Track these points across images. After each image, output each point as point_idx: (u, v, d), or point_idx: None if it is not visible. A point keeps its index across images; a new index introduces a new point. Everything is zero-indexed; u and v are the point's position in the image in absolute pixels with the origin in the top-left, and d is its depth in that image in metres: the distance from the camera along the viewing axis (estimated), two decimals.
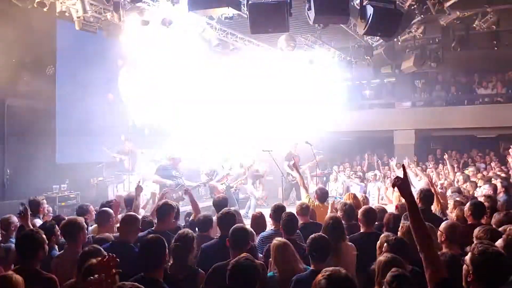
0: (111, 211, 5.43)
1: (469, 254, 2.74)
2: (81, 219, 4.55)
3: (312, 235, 4.08)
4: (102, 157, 11.46)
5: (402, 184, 3.02)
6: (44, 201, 7.21)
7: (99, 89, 12.04)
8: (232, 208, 5.52)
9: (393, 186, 3.11)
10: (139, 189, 6.19)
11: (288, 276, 3.73)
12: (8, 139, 10.30)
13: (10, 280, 3.07)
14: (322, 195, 7.04)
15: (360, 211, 5.21)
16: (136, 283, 2.84)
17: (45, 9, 8.54)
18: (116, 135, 12.03)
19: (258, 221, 5.70)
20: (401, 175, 3.11)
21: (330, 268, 2.79)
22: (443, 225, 4.31)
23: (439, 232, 4.23)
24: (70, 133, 11.14)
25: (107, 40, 10.56)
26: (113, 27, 10.18)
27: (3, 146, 10.20)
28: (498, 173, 10.95)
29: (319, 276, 2.75)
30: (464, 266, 2.73)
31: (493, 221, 4.87)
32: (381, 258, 3.34)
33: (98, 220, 5.44)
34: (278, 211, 5.31)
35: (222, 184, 10.71)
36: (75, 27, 9.37)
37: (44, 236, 3.88)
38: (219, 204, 6.06)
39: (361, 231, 5.03)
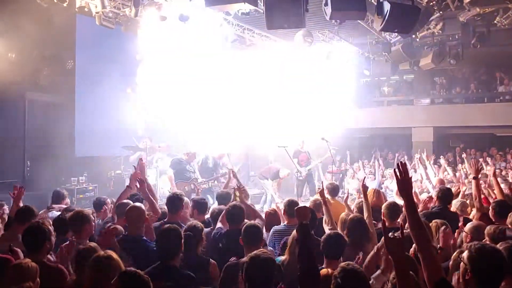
0: (131, 202, 5.26)
1: (466, 251, 2.71)
2: (88, 212, 4.54)
3: (328, 232, 4.12)
4: (120, 151, 11.59)
5: (401, 183, 2.92)
6: (68, 195, 7.28)
7: (117, 83, 12.18)
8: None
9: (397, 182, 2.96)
10: (140, 166, 6.07)
11: None
12: (28, 132, 10.49)
13: (26, 267, 3.11)
14: (333, 190, 7.01)
15: (384, 205, 5.22)
16: None
17: (64, 5, 8.66)
18: (134, 130, 12.18)
19: (272, 217, 5.72)
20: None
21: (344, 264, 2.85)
22: (468, 226, 4.28)
23: (464, 233, 4.21)
24: (89, 126, 11.30)
25: (125, 35, 10.68)
26: (131, 22, 10.30)
27: (23, 139, 10.41)
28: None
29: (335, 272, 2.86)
30: (461, 264, 2.71)
31: (508, 220, 4.82)
32: None
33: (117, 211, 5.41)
34: (291, 206, 5.32)
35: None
36: (94, 22, 9.50)
37: (50, 227, 3.89)
38: (223, 197, 6.13)
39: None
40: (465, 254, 2.71)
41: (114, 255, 3.13)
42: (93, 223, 4.57)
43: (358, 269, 2.94)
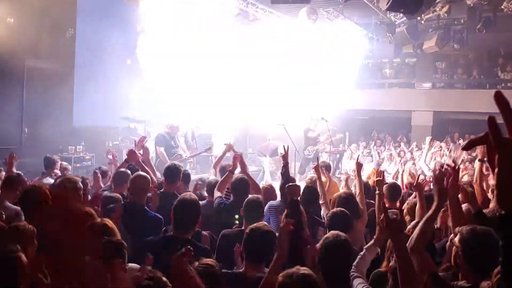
0: (129, 172, 5.25)
1: (458, 235, 2.69)
2: (77, 179, 4.48)
3: (334, 210, 4.16)
4: (118, 121, 11.56)
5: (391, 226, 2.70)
6: (59, 160, 7.31)
7: (117, 53, 12.08)
8: None
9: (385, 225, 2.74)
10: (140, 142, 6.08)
11: None
12: (26, 99, 10.43)
13: (23, 229, 3.12)
14: (326, 168, 7.02)
15: (385, 186, 5.21)
16: None
17: None
18: (133, 101, 12.11)
19: (268, 193, 5.73)
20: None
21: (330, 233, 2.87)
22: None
23: None
24: (88, 96, 11.24)
25: (126, 5, 10.53)
26: None
27: (21, 106, 10.34)
28: None
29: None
30: (453, 247, 2.70)
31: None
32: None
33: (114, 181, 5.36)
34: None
35: None
36: None
37: (47, 191, 3.86)
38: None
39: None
40: (456, 237, 2.70)
41: (109, 223, 3.13)
42: (82, 191, 4.46)
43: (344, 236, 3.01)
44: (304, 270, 2.39)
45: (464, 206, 4.21)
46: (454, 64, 17.81)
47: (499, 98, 1.04)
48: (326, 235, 3.15)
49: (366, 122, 18.17)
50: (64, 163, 7.48)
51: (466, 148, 1.19)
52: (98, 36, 11.52)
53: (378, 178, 4.85)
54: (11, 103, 10.09)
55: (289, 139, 11.04)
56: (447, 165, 3.64)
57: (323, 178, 6.66)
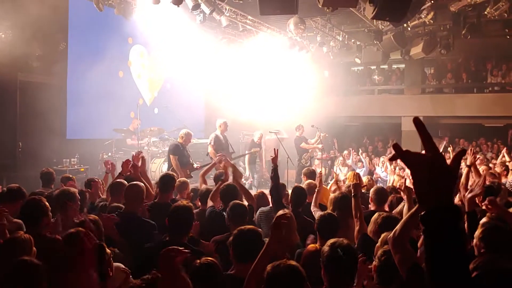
0: (125, 182, 5.24)
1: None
2: (73, 190, 4.60)
3: (322, 213, 4.31)
4: (111, 134, 11.65)
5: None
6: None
7: (109, 66, 12.20)
8: None
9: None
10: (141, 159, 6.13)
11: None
12: (20, 113, 10.50)
13: (19, 240, 3.19)
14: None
15: (372, 190, 5.41)
16: None
17: None
18: (126, 113, 12.24)
19: (259, 199, 5.86)
20: None
21: (334, 239, 3.00)
22: None
23: None
24: (81, 109, 11.34)
25: (118, 17, 10.68)
26: (125, 5, 10.31)
27: (15, 120, 10.41)
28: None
29: (325, 246, 2.99)
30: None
31: None
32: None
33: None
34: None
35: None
36: (86, 3, 9.51)
37: (47, 203, 3.97)
38: (220, 177, 6.24)
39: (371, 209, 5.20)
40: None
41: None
42: (78, 202, 4.56)
43: (347, 241, 3.07)
44: (292, 262, 2.53)
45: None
46: (442, 69, 18.05)
47: (417, 121, 1.24)
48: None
49: (357, 128, 18.35)
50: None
51: (391, 159, 1.43)
52: (90, 49, 11.64)
53: (355, 182, 5.04)
54: (5, 117, 10.16)
55: (281, 146, 11.18)
56: None
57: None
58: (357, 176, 6.66)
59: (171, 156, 8.67)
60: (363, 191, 5.84)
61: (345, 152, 14.48)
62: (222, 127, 10.02)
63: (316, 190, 5.66)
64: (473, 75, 17.40)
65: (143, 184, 4.70)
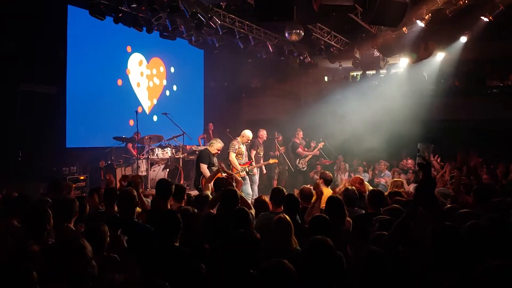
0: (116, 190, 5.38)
1: None
2: (72, 198, 4.57)
3: (313, 216, 4.33)
4: (110, 141, 11.67)
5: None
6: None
7: (108, 74, 12.28)
8: None
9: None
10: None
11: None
12: (20, 123, 10.54)
13: (28, 250, 3.21)
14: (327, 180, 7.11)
15: (368, 193, 5.39)
16: None
17: None
18: (125, 121, 12.26)
19: (260, 205, 5.84)
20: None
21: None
22: None
23: None
24: (80, 117, 11.38)
25: (116, 26, 10.72)
26: (123, 14, 10.35)
27: (15, 129, 10.43)
28: None
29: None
30: None
31: None
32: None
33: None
34: (276, 193, 5.45)
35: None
36: (85, 13, 9.56)
37: (49, 210, 3.94)
38: (218, 183, 6.23)
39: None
40: None
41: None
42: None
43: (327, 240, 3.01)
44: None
45: None
46: (440, 73, 17.98)
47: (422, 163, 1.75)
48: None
49: None
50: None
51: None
52: (89, 57, 11.71)
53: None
54: (5, 126, 10.18)
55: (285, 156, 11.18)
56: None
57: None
58: (359, 181, 6.76)
59: (200, 164, 8.60)
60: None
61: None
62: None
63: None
64: (472, 78, 17.32)
65: (134, 192, 4.69)
